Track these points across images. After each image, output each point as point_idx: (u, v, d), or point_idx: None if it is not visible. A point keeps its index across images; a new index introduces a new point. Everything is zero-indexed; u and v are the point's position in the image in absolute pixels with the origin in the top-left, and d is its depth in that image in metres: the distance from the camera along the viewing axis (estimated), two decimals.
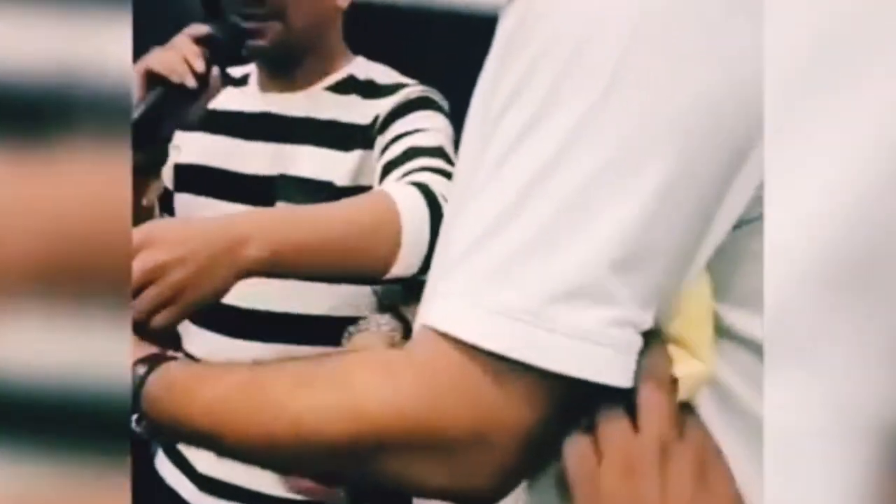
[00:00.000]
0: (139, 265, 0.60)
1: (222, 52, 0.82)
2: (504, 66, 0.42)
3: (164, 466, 1.03)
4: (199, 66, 0.78)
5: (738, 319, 0.40)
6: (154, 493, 1.08)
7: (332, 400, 0.43)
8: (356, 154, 0.90)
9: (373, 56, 1.01)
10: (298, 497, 0.93)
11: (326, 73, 0.96)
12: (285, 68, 0.95)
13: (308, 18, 0.91)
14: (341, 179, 0.90)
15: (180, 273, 0.62)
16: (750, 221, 0.39)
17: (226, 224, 0.68)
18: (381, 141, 0.90)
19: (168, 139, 0.83)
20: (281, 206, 0.89)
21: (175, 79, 0.77)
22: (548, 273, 0.38)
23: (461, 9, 1.26)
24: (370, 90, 0.94)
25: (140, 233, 0.62)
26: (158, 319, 0.61)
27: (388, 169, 0.84)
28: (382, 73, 0.97)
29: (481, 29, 0.50)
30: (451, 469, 0.41)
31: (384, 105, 0.91)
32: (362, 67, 0.98)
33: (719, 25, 0.37)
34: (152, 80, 0.77)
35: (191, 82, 0.77)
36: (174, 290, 0.61)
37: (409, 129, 0.87)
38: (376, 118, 0.90)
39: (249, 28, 0.86)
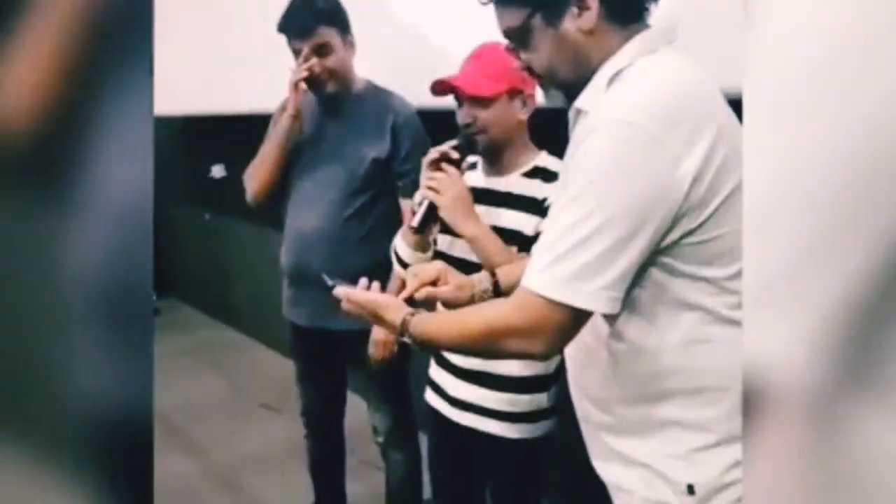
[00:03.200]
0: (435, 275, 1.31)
1: (463, 150, 1.52)
2: (568, 167, 1.05)
3: (430, 395, 1.72)
4: (455, 156, 1.48)
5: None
6: (426, 414, 1.76)
7: (483, 316, 1.07)
8: (536, 218, 1.50)
9: (552, 150, 1.60)
10: (511, 408, 1.56)
11: (521, 165, 1.56)
12: (493, 161, 1.58)
13: (501, 132, 1.54)
14: (528, 231, 1.50)
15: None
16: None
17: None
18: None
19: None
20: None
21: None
22: (576, 265, 0.95)
23: None
24: (546, 176, 1.53)
25: (440, 266, 1.33)
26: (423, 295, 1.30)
27: None
28: (555, 164, 1.54)
29: None
30: (528, 344, 1.01)
31: (553, 188, 1.49)
32: (543, 160, 1.57)
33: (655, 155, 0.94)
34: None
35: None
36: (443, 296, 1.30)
37: None
38: (546, 197, 1.50)
39: (471, 138, 1.54)
